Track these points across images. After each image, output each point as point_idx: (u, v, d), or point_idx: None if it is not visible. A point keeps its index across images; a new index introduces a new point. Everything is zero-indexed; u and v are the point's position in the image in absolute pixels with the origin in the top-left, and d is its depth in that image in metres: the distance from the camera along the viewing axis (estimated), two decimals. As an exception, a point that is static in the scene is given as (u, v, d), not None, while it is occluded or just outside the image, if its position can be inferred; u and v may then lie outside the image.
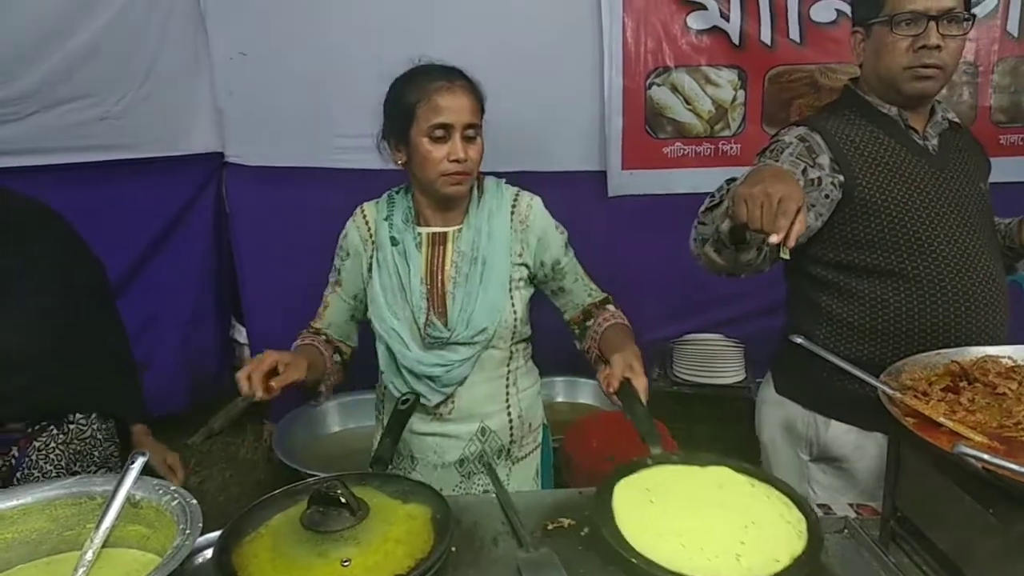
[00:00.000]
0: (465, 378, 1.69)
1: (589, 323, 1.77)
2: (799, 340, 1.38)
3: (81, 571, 1.19)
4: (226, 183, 3.32)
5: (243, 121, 3.23)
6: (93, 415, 1.83)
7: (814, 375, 1.41)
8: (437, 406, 1.69)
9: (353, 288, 1.75)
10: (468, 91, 1.62)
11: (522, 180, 3.08)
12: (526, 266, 1.72)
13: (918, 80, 1.58)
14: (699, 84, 3.16)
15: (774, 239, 1.16)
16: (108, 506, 1.24)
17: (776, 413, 1.84)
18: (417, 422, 1.71)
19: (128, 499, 1.26)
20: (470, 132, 1.60)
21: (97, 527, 1.23)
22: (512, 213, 1.72)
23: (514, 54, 3.10)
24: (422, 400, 1.67)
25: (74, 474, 1.74)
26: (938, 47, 1.54)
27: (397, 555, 1.07)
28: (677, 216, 3.23)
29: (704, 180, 3.22)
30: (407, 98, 1.61)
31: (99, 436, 1.84)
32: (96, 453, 1.83)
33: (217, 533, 1.21)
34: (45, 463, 1.75)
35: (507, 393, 1.75)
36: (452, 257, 1.68)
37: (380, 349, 1.71)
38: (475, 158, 1.62)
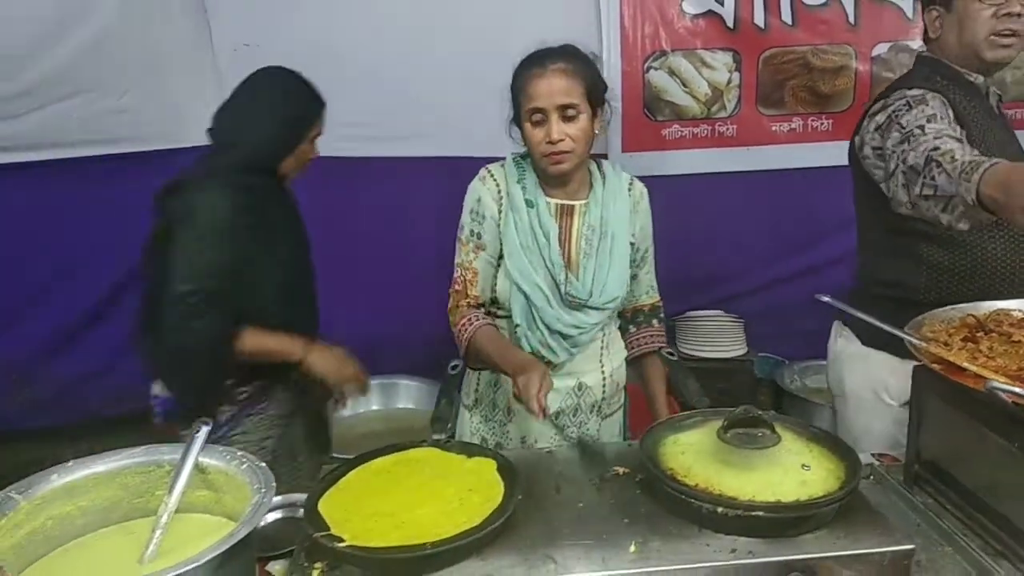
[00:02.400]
0: (588, 343, 1.79)
1: (631, 328, 1.94)
2: (825, 299, 1.46)
3: (158, 534, 1.24)
4: (232, 174, 3.33)
5: (248, 112, 3.25)
6: None
7: (907, 324, 1.45)
8: (542, 360, 1.74)
9: (493, 249, 1.79)
10: (563, 73, 1.65)
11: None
12: (632, 246, 1.83)
13: (1000, 48, 1.74)
14: (695, 67, 3.24)
15: None
16: (179, 472, 1.29)
17: (862, 365, 1.92)
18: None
19: (196, 465, 1.31)
20: (569, 112, 1.64)
21: (170, 492, 1.27)
22: (629, 195, 1.84)
23: (512, 41, 3.14)
24: (549, 357, 1.75)
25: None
26: (1020, 14, 1.70)
27: (474, 502, 1.14)
28: (677, 196, 3.36)
29: (702, 161, 3.34)
30: (514, 86, 1.71)
31: None
32: None
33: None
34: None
35: (601, 354, 1.85)
36: (581, 229, 1.76)
37: (518, 304, 1.75)
38: (575, 136, 1.66)
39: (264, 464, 1.29)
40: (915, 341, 1.32)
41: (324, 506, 1.20)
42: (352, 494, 1.24)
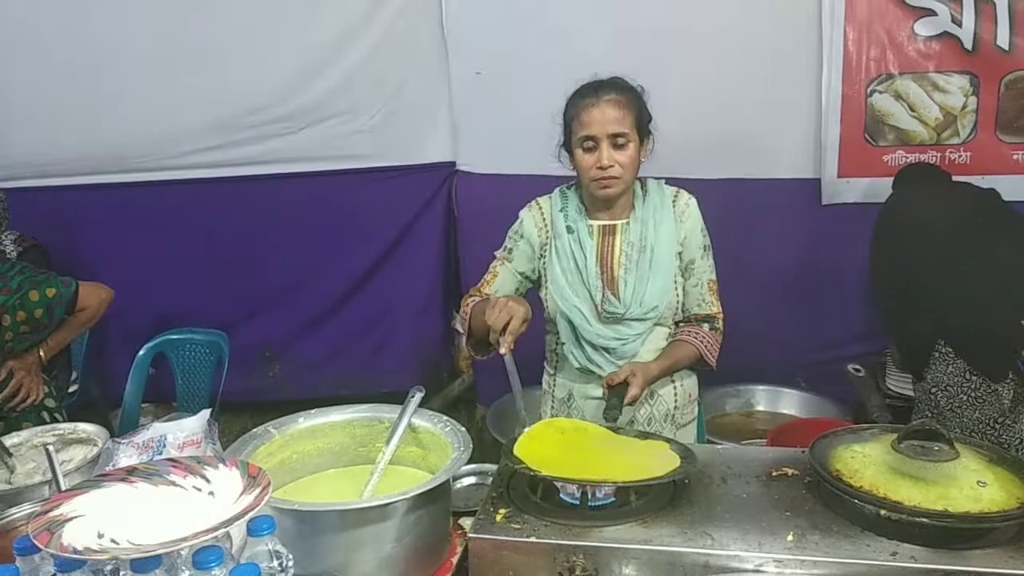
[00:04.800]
0: (636, 352, 1.88)
1: (682, 325, 1.96)
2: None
3: (375, 477, 1.48)
4: (456, 188, 3.69)
5: (474, 133, 3.57)
6: None
7: None
8: (591, 374, 1.88)
9: (521, 265, 1.96)
10: (615, 104, 1.78)
11: (734, 187, 3.21)
12: (680, 256, 1.90)
13: None
14: (926, 91, 3.07)
15: None
16: (395, 428, 1.53)
17: None
18: (593, 388, 1.91)
19: (409, 425, 1.54)
20: (619, 140, 1.77)
21: (387, 444, 1.51)
22: (674, 207, 1.91)
23: (729, 65, 3.19)
24: (596, 371, 1.87)
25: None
26: None
27: (653, 467, 1.30)
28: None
29: (928, 188, 3.13)
30: (567, 115, 1.87)
31: None
32: None
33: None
34: None
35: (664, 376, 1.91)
36: (622, 246, 1.88)
37: (562, 324, 1.91)
38: (624, 163, 1.78)
39: (463, 428, 1.49)
40: None
41: (518, 452, 1.38)
42: (541, 444, 1.42)
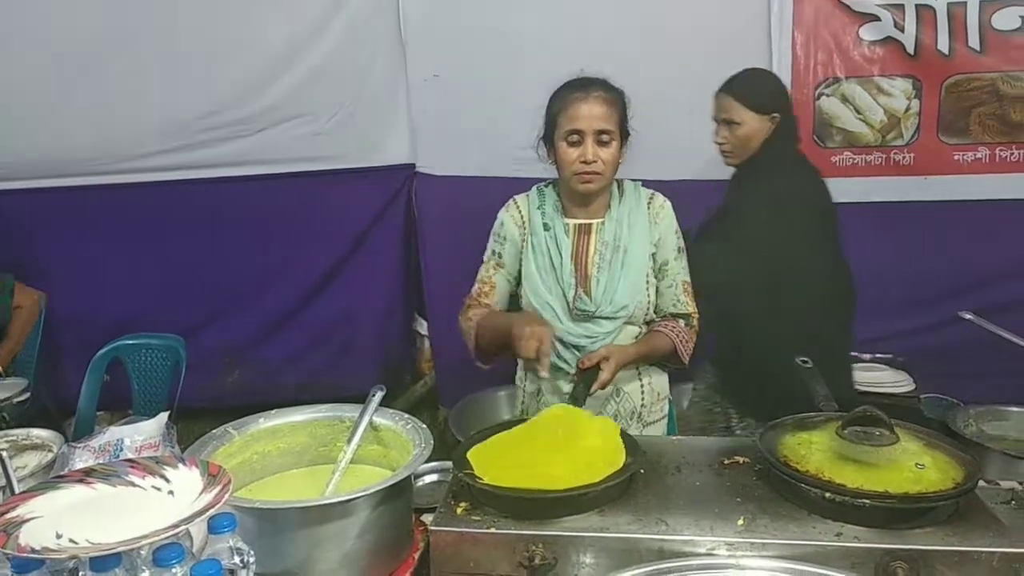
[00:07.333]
0: None
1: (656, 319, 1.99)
2: (968, 316, 1.46)
3: (337, 475, 1.49)
4: (416, 191, 3.70)
5: (433, 135, 3.59)
6: None
7: None
8: (559, 370, 1.91)
9: (513, 268, 1.99)
10: (603, 100, 1.82)
11: (682, 188, 3.27)
12: (652, 257, 1.94)
13: None
14: (871, 94, 3.18)
15: None
16: (356, 427, 1.54)
17: None
18: (562, 384, 1.93)
19: (370, 423, 1.55)
20: (604, 137, 1.81)
21: (348, 443, 1.52)
22: (648, 209, 1.95)
23: (678, 66, 3.26)
24: (565, 368, 1.90)
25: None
26: None
27: (598, 467, 1.31)
28: (846, 224, 3.29)
29: (874, 188, 3.25)
30: (553, 107, 1.88)
31: None
32: None
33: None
34: None
35: (638, 363, 1.95)
36: (596, 246, 1.91)
37: None
38: (606, 159, 1.82)
39: (425, 426, 1.51)
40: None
41: (472, 455, 1.41)
42: (496, 448, 1.44)
